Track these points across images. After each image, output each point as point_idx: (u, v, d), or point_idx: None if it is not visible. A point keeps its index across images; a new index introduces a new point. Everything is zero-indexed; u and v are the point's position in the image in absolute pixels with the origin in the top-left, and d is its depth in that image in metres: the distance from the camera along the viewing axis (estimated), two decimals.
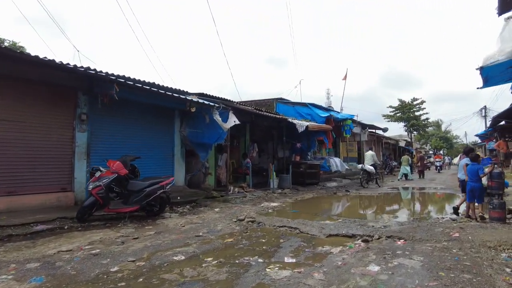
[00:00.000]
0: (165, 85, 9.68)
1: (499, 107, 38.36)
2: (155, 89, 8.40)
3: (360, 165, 15.75)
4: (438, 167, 28.16)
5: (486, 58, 7.01)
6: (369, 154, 16.02)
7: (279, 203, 9.62)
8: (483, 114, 32.14)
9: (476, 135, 23.49)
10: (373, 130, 27.22)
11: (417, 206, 10.09)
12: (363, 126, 23.31)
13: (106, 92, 7.70)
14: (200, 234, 5.83)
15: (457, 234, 5.07)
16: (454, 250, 4.34)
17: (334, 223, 6.51)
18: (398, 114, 44.79)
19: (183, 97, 9.22)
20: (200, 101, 10.04)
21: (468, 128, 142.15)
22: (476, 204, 6.48)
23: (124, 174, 6.93)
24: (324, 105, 21.30)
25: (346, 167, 19.18)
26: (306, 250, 4.74)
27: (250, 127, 14.45)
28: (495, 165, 6.29)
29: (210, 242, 5.32)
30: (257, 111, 12.05)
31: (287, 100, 17.23)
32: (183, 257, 4.49)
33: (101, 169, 6.93)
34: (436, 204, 10.43)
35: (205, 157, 11.03)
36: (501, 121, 16.84)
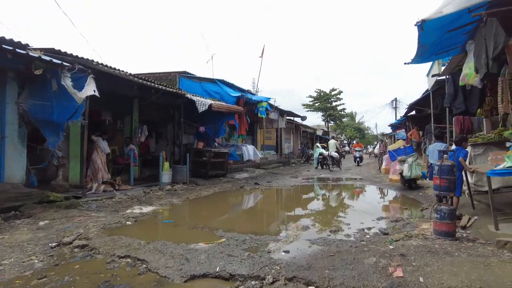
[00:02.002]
0: None
1: (408, 101, 40.88)
2: None
3: (326, 152, 17.44)
4: (358, 158, 20.83)
5: (427, 16, 5.64)
6: (332, 143, 18.21)
7: (157, 207, 6.88)
8: (394, 106, 33.53)
9: (390, 125, 23.74)
10: (292, 118, 26.12)
11: (335, 207, 8.04)
12: (281, 112, 21.74)
13: None
14: None
15: (399, 272, 2.97)
16: None
17: (211, 247, 4.05)
18: (316, 104, 45.05)
19: (8, 47, 5.77)
20: (43, 57, 6.75)
21: (377, 120, 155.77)
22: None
23: None
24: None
25: (261, 155, 17.29)
26: None
27: (140, 104, 11.32)
28: (444, 156, 4.41)
29: None
30: (137, 80, 8.83)
31: (193, 74, 14.37)
32: None
33: None
34: (357, 203, 8.61)
35: (56, 142, 7.66)
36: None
